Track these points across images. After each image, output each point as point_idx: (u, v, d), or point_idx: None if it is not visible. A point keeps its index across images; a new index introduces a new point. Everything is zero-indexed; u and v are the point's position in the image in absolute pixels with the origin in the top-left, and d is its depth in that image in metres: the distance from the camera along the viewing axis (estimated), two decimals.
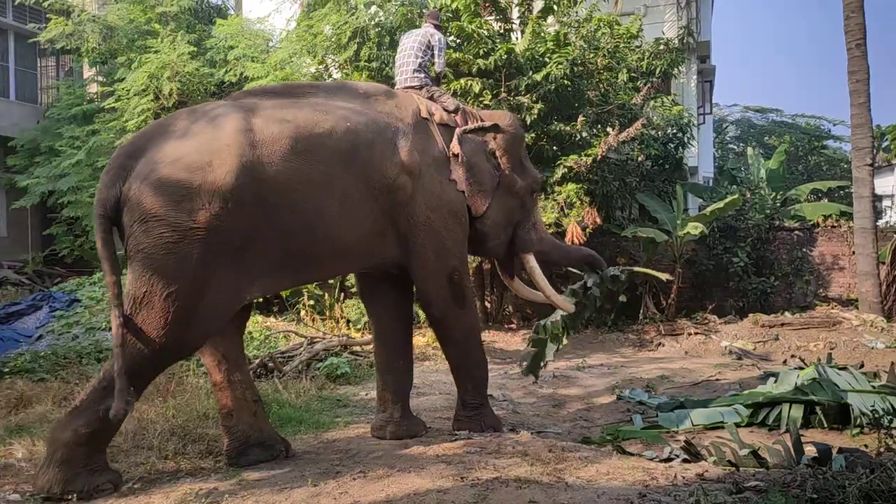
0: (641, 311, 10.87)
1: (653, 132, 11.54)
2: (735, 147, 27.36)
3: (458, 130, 4.69)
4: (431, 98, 4.87)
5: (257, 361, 6.83)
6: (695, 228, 10.27)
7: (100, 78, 13.45)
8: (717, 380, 7.22)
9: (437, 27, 5.33)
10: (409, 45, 5.14)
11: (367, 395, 6.37)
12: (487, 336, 9.72)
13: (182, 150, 3.57)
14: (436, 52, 5.16)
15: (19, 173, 12.98)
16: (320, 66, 10.60)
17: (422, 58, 5.07)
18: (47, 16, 12.69)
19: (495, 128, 4.83)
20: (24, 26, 14.35)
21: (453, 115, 4.77)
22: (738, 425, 4.93)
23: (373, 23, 9.61)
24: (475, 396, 4.83)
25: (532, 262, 5.09)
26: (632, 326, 10.62)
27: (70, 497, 3.44)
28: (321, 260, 4.18)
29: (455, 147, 4.59)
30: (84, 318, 8.80)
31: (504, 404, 6.07)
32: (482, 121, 4.86)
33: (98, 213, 3.56)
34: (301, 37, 10.35)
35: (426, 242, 4.44)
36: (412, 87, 4.97)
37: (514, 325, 10.70)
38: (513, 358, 8.65)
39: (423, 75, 5.03)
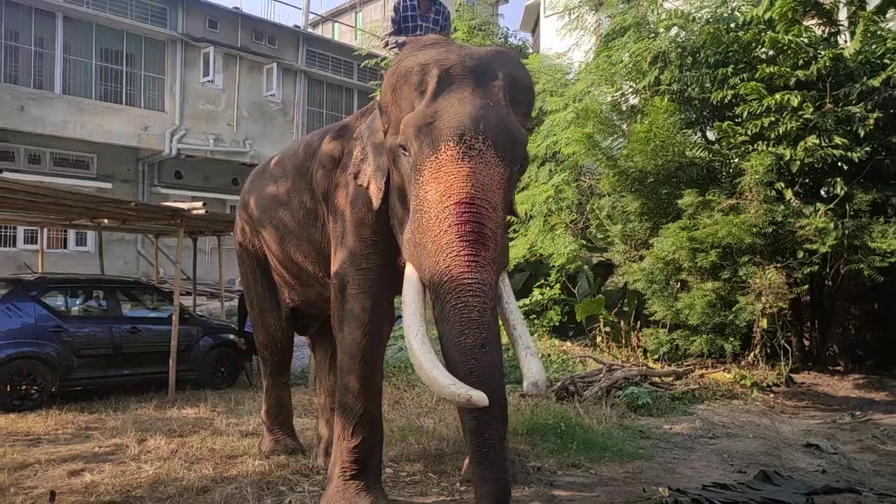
0: None
1: None
2: None
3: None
4: None
5: (558, 384, 7.05)
6: None
7: None
8: None
9: None
10: None
11: (670, 428, 6.16)
12: (807, 377, 8.63)
13: None
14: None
15: None
16: (616, 94, 10.66)
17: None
18: (382, 74, 15.02)
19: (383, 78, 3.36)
20: (366, 84, 17.17)
21: None
22: None
23: (674, 45, 9.36)
24: (339, 461, 3.60)
25: (406, 274, 2.91)
26: None
27: None
28: (309, 277, 4.46)
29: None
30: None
31: (835, 458, 5.33)
32: None
33: None
34: (599, 66, 10.55)
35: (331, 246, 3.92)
36: None
37: (840, 368, 9.30)
38: (840, 406, 7.55)
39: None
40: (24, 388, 6.60)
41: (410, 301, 2.80)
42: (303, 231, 4.27)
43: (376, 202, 3.30)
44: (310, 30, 19.68)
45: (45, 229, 10.66)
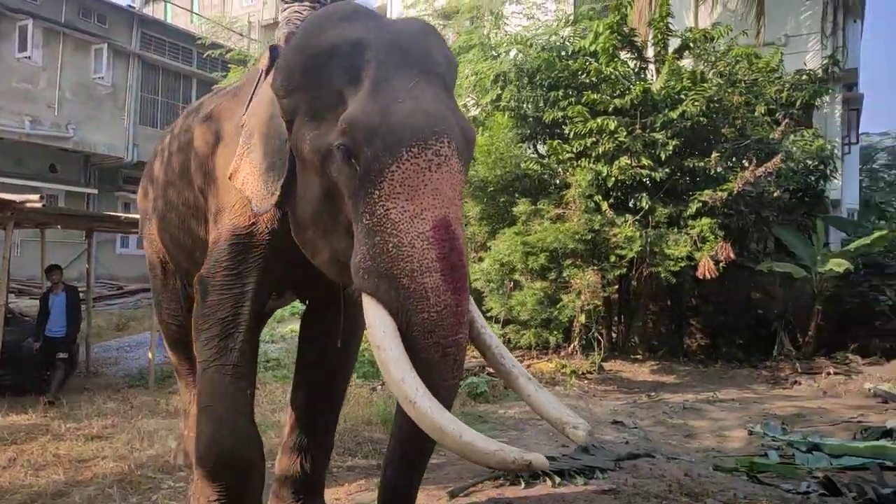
0: (776, 348, 10.64)
1: (791, 165, 11.30)
2: (886, 176, 25.46)
3: None
4: None
5: None
6: (839, 265, 9.97)
7: None
8: (860, 422, 7.07)
9: None
10: None
11: (504, 412, 6.92)
12: (614, 365, 9.97)
13: None
14: None
15: None
16: (461, 107, 11.43)
17: None
18: (228, 66, 14.62)
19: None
20: (207, 73, 16.49)
21: None
22: (884, 468, 4.78)
23: (514, 66, 10.29)
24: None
25: (370, 313, 2.34)
26: (765, 363, 10.42)
27: None
28: None
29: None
30: None
31: (635, 431, 6.39)
32: None
33: None
34: None
35: None
36: None
37: (640, 356, 10.82)
38: (639, 388, 8.87)
39: None
40: None
41: (390, 346, 2.23)
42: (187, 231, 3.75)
43: (262, 206, 2.73)
44: (145, 11, 18.45)
45: None
